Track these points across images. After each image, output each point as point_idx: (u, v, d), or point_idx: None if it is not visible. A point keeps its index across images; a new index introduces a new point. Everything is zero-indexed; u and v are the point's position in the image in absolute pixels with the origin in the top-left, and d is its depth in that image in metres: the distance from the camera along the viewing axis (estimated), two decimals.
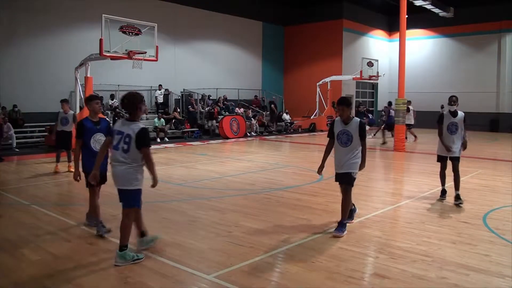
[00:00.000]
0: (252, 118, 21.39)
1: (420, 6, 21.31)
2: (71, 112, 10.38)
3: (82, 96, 14.42)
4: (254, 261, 4.44)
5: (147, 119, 18.47)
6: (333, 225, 5.72)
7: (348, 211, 5.52)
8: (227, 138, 18.66)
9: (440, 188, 7.53)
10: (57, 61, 16.57)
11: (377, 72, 23.90)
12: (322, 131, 23.35)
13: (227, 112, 21.15)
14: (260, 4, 25.54)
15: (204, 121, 20.51)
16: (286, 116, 24.01)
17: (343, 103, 5.41)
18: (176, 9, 20.93)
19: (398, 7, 14.92)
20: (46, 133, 14.93)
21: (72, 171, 10.42)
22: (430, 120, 24.10)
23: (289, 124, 23.60)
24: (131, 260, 4.35)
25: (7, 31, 15.58)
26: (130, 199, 4.39)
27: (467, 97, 24.75)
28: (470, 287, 3.87)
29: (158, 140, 17.30)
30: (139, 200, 4.51)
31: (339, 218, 5.44)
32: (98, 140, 5.36)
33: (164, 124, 17.96)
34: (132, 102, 4.46)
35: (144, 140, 4.31)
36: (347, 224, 5.56)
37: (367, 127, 22.06)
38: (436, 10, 22.69)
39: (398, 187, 9.21)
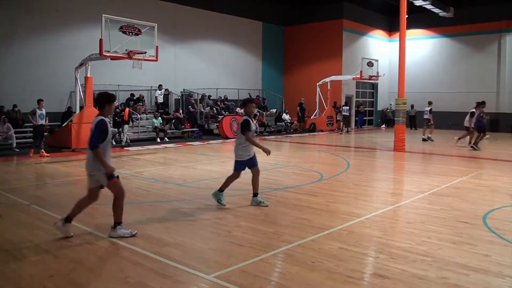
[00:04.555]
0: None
1: (420, 6, 21.28)
2: (44, 109, 12.78)
3: (82, 96, 14.46)
4: (254, 261, 4.44)
5: (147, 119, 18.48)
6: (332, 225, 5.72)
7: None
8: (227, 138, 18.67)
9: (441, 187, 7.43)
10: (57, 61, 16.57)
11: (377, 72, 23.90)
12: (322, 131, 23.37)
13: (227, 112, 21.15)
14: (260, 4, 25.54)
15: (203, 121, 20.52)
16: (286, 116, 24.01)
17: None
18: (176, 9, 20.93)
19: (398, 7, 14.92)
20: (46, 133, 14.91)
21: (46, 156, 12.45)
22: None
23: (289, 124, 23.60)
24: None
25: (7, 31, 15.59)
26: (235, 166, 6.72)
27: (467, 97, 24.79)
28: (470, 287, 3.87)
29: (158, 140, 17.31)
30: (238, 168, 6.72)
31: (339, 219, 5.44)
32: None
33: (161, 123, 17.93)
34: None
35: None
36: (347, 225, 5.53)
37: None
38: (436, 10, 22.67)
39: (398, 187, 9.21)
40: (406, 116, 23.94)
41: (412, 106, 24.94)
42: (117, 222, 5.21)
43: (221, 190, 6.77)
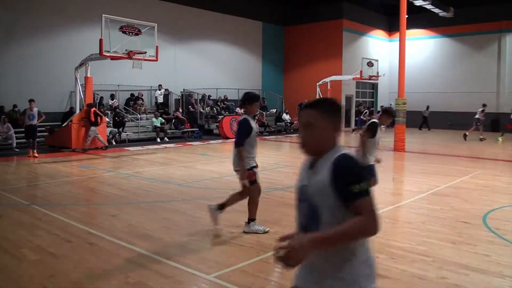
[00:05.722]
0: None
1: (420, 6, 21.29)
2: (36, 109, 12.74)
3: (82, 96, 14.47)
4: (254, 261, 4.44)
5: (147, 119, 18.48)
6: None
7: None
8: (227, 138, 18.67)
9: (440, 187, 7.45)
10: (57, 61, 16.57)
11: (377, 72, 23.89)
12: None
13: (227, 112, 21.16)
14: (260, 4, 25.53)
15: (203, 121, 20.52)
16: (286, 116, 24.01)
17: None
18: (176, 9, 20.93)
19: (398, 7, 14.92)
20: (46, 133, 14.93)
21: (35, 157, 12.37)
22: (430, 120, 24.13)
23: (289, 124, 23.60)
24: None
25: (7, 31, 15.59)
26: None
27: (467, 97, 24.81)
28: (470, 287, 3.87)
29: (158, 140, 17.31)
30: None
31: None
32: None
33: (162, 122, 17.91)
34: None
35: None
36: None
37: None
38: (436, 10, 22.67)
39: (398, 187, 9.21)
40: (421, 116, 24.01)
41: (427, 107, 24.69)
42: (251, 218, 5.40)
43: None
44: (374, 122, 6.17)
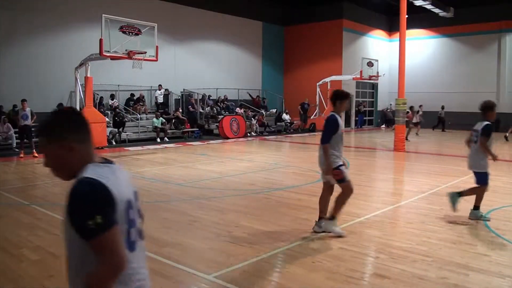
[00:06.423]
0: (252, 118, 21.40)
1: (420, 6, 21.29)
2: (28, 108, 12.58)
3: (82, 96, 14.47)
4: (254, 261, 4.44)
5: (147, 119, 18.48)
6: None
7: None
8: (227, 138, 18.66)
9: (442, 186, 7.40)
10: (57, 61, 16.56)
11: (377, 72, 23.88)
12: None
13: (227, 112, 21.16)
14: (260, 4, 25.53)
15: (203, 121, 20.52)
16: (286, 116, 24.01)
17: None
18: (176, 9, 20.92)
19: (398, 7, 14.91)
20: None
21: (36, 156, 12.12)
22: (430, 120, 24.14)
23: (289, 124, 23.60)
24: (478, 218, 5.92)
25: (7, 31, 15.58)
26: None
27: (467, 97, 24.78)
28: (470, 287, 3.87)
29: (158, 140, 17.31)
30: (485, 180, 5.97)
31: (339, 219, 5.42)
32: None
33: (163, 122, 17.89)
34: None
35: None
36: (347, 225, 5.55)
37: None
38: (436, 10, 22.68)
39: (398, 187, 9.21)
40: (437, 118, 23.61)
41: (443, 107, 24.41)
42: (332, 216, 5.27)
43: (476, 207, 6.07)
44: (489, 124, 5.92)
